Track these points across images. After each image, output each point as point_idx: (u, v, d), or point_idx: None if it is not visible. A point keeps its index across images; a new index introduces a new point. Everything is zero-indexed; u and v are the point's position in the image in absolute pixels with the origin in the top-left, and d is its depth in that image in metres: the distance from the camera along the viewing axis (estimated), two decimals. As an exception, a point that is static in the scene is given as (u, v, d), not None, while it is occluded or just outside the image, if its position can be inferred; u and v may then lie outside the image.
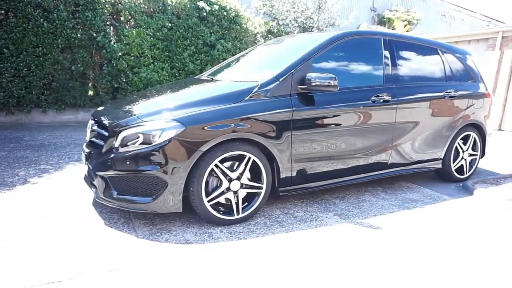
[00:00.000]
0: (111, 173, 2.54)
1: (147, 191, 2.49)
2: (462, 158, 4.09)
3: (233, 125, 2.56)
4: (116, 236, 2.46)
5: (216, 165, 2.55)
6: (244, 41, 8.34)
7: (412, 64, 3.66)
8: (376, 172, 3.44)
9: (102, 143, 2.63)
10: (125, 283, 1.93)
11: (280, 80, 2.82)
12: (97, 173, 2.60)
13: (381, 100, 3.24)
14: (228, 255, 2.28)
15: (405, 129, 3.50)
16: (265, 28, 8.83)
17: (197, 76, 3.91)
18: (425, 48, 3.82)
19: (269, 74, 2.91)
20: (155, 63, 7.36)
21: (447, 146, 3.88)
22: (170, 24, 7.33)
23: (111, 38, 6.90)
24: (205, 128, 2.48)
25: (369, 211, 3.14)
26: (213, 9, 7.55)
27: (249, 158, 2.66)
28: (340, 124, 3.06)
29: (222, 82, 3.22)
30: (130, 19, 7.06)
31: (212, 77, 3.49)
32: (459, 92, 3.89)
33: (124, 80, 7.10)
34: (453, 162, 4.01)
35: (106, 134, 2.61)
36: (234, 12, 7.93)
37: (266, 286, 1.97)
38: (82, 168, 3.90)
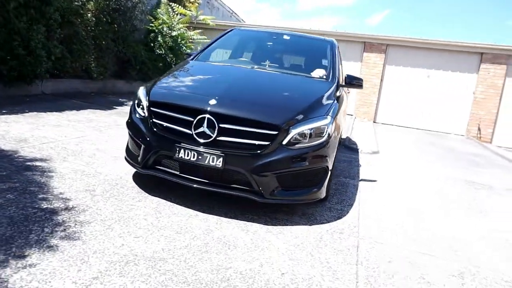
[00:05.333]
0: (282, 170, 2.51)
1: (312, 182, 2.68)
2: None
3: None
4: (290, 230, 2.57)
5: None
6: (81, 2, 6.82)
7: None
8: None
9: (265, 142, 2.47)
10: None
11: (337, 78, 3.53)
12: (264, 173, 2.46)
13: None
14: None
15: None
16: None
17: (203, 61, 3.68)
18: None
19: (323, 72, 3.54)
20: (-41, 12, 4.89)
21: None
22: (-12, -42, 5.00)
23: None
24: (336, 121, 2.94)
25: (350, 171, 4.48)
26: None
27: None
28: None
29: (302, 77, 3.50)
30: None
31: (252, 66, 3.52)
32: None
33: None
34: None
35: (275, 132, 2.47)
36: (71, -38, 6.32)
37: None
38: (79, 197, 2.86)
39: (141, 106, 2.88)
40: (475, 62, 10.48)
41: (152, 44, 10.14)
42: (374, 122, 11.19)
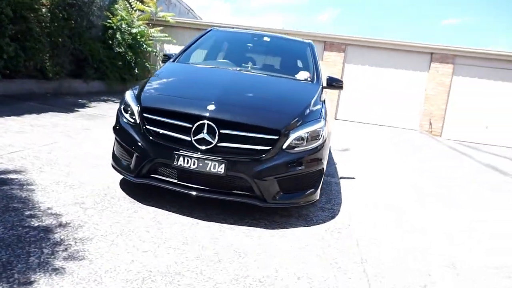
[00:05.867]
0: (283, 174, 2.52)
1: (309, 184, 2.73)
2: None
3: None
4: (293, 231, 2.61)
5: None
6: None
7: None
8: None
9: (266, 147, 2.47)
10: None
11: (321, 80, 3.61)
12: (266, 178, 2.47)
13: None
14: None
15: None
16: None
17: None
18: None
19: (307, 75, 3.60)
20: None
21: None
22: None
23: None
24: (327, 123, 3.01)
25: (328, 169, 4.62)
26: None
27: None
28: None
29: (290, 80, 3.53)
30: None
31: (237, 68, 3.51)
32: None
33: None
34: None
35: (276, 137, 2.48)
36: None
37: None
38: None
39: (129, 112, 2.75)
40: (426, 61, 11.23)
41: (110, 42, 9.67)
42: (335, 119, 11.59)
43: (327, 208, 3.17)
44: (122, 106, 2.85)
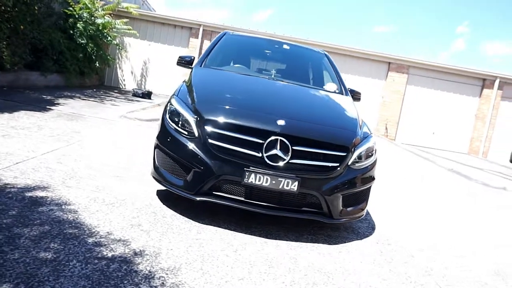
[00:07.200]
0: (348, 191, 2.52)
1: (362, 199, 2.75)
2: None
3: None
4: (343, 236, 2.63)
5: None
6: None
7: None
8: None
9: (335, 164, 2.44)
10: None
11: (348, 92, 3.67)
12: (334, 195, 2.45)
13: None
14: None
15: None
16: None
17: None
18: None
19: (335, 86, 3.64)
20: None
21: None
22: None
23: None
24: (370, 137, 3.08)
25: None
26: None
27: None
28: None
29: (326, 92, 3.50)
30: None
31: (268, 76, 3.45)
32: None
33: None
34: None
35: (344, 153, 2.46)
36: None
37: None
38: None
39: (179, 122, 2.53)
40: (384, 70, 12.00)
41: (71, 32, 8.80)
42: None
43: (363, 219, 3.24)
44: (168, 115, 2.62)
